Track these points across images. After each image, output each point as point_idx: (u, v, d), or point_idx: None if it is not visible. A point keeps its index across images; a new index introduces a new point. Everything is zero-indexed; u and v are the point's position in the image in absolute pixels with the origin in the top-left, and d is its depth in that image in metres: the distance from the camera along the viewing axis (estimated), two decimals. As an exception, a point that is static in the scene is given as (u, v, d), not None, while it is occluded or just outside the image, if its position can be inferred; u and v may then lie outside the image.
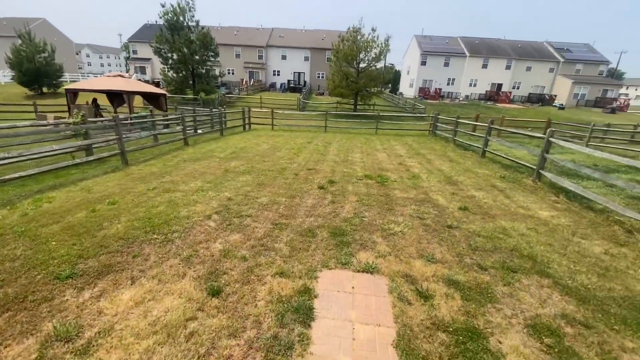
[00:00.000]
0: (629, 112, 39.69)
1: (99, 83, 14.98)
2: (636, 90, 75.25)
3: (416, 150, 11.59)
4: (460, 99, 42.58)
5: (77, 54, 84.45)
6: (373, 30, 24.61)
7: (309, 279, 3.23)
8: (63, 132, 8.34)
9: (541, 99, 41.99)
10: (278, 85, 45.99)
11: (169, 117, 12.39)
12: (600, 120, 28.41)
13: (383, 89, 37.50)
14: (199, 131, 13.80)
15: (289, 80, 45.91)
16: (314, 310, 2.77)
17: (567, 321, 2.82)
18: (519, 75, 42.87)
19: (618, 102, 39.17)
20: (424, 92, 42.37)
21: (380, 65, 28.96)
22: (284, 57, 45.88)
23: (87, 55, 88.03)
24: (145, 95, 16.98)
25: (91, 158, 7.44)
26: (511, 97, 41.95)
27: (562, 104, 38.84)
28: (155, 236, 4.01)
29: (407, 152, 10.99)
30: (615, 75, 56.90)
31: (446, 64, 43.15)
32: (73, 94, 14.38)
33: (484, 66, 42.67)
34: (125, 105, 16.14)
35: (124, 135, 8.64)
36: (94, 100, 16.96)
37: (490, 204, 5.75)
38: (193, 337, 2.42)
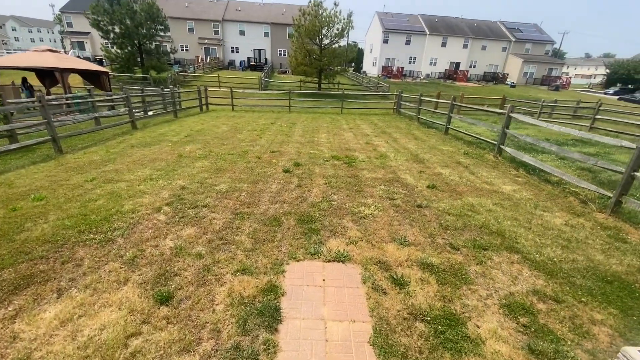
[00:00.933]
0: (570, 89, 43.12)
1: (24, 59, 12.92)
2: (575, 69, 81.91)
3: (382, 129, 11.48)
4: (422, 77, 43.36)
5: (1, 27, 73.29)
6: (335, 4, 23.68)
7: (275, 274, 2.90)
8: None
9: (495, 78, 44.05)
10: (237, 63, 43.44)
11: (112, 97, 11.01)
12: (547, 97, 30.45)
13: (347, 68, 36.96)
14: (150, 113, 12.52)
15: (249, 58, 43.51)
16: (281, 310, 2.46)
17: (539, 297, 2.80)
18: (475, 54, 44.36)
19: (561, 80, 42.25)
20: (387, 71, 42.48)
21: (343, 42, 28.27)
22: (242, 33, 43.14)
23: (14, 29, 76.65)
24: (84, 74, 15.04)
25: (14, 146, 6.32)
26: (468, 75, 43.49)
27: (513, 82, 41.07)
28: (91, 236, 3.42)
29: (374, 131, 10.84)
30: (558, 55, 61.09)
31: (407, 42, 43.36)
32: (-10, 71, 12.29)
33: (443, 45, 43.51)
34: (60, 85, 14.17)
35: (56, 120, 7.49)
36: (24, 79, 14.73)
37: (457, 180, 5.75)
38: (135, 359, 2.01)
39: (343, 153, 7.45)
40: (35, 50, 14.31)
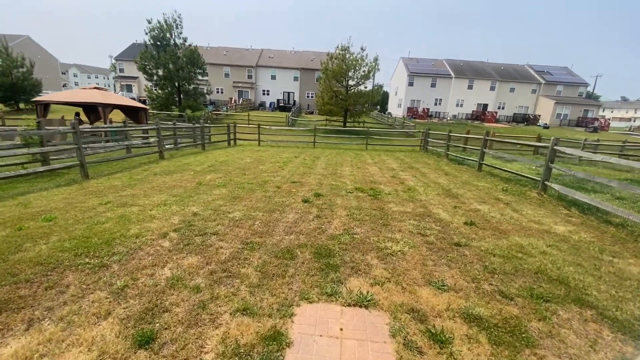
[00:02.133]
0: (610, 131, 40.85)
1: (73, 95, 14.15)
2: (611, 112, 78.75)
3: (409, 164, 10.98)
4: (448, 118, 43.17)
5: (64, 74, 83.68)
6: (362, 49, 24.81)
7: (282, 317, 2.36)
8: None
9: (526, 119, 42.94)
10: (267, 104, 45.86)
11: (142, 127, 11.53)
12: (585, 137, 28.89)
13: (372, 109, 37.68)
14: (180, 145, 12.96)
15: (278, 100, 45.89)
16: (285, 368, 1.90)
17: (637, 373, 2.03)
18: (503, 96, 43.98)
19: (599, 122, 40.30)
20: (412, 112, 42.83)
21: (369, 84, 29.09)
22: (273, 77, 46.07)
23: (75, 75, 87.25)
24: (125, 110, 16.19)
25: (42, 169, 6.48)
26: (497, 116, 42.76)
27: (546, 124, 39.69)
28: (86, 260, 3.10)
29: (400, 166, 10.36)
30: (592, 98, 59.19)
31: (433, 85, 44.02)
32: (43, 107, 13.48)
33: (470, 87, 43.68)
34: (102, 120, 15.26)
35: (87, 147, 7.77)
36: (76, 114, 16.04)
37: (499, 218, 5.04)
38: None
39: (367, 185, 6.98)
40: (83, 88, 15.73)
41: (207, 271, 2.98)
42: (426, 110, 43.06)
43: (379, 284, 2.88)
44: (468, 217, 4.95)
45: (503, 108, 44.29)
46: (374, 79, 26.76)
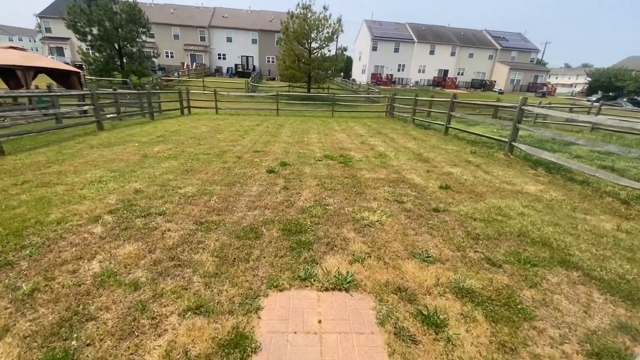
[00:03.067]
0: (556, 96, 43.77)
1: (-20, 55, 11.66)
2: (556, 78, 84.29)
3: (377, 130, 10.66)
4: (411, 84, 43.35)
5: (-24, 34, 70.60)
6: (325, 8, 23.19)
7: (246, 313, 1.91)
8: None
9: (483, 85, 44.41)
10: (224, 70, 42.57)
11: (73, 92, 9.89)
12: (537, 101, 30.63)
13: (336, 74, 36.52)
14: (124, 115, 11.41)
15: (236, 65, 42.73)
16: (251, 384, 1.47)
17: (632, 336, 1.90)
18: (462, 61, 44.73)
19: (547, 87, 42.88)
20: (376, 78, 42.32)
21: (332, 47, 27.78)
22: (229, 40, 42.43)
23: (-9, 36, 74.02)
24: (53, 74, 13.84)
25: None
26: (457, 83, 43.72)
27: (501, 89, 41.40)
28: (-18, 258, 2.36)
29: (368, 132, 10.00)
30: (541, 64, 62.53)
31: (396, 50, 43.42)
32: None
33: (432, 52, 43.73)
34: (25, 87, 12.92)
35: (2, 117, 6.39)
36: (-19, 80, 13.39)
37: (472, 180, 4.89)
38: None
39: (337, 152, 6.54)
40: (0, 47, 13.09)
41: (149, 261, 2.40)
42: (390, 77, 42.75)
43: (358, 261, 2.51)
44: (442, 181, 4.73)
45: (462, 74, 45.25)
46: (337, 41, 25.51)
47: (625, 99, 38.12)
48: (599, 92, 51.30)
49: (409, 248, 2.77)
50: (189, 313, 1.89)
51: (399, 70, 44.16)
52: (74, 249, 2.54)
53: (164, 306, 1.95)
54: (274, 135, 8.78)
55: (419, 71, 44.30)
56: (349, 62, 59.61)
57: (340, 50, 26.61)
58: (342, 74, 55.09)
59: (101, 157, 5.61)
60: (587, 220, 3.61)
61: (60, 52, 37.50)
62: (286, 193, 4.00)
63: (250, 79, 29.32)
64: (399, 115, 14.94)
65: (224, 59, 42.98)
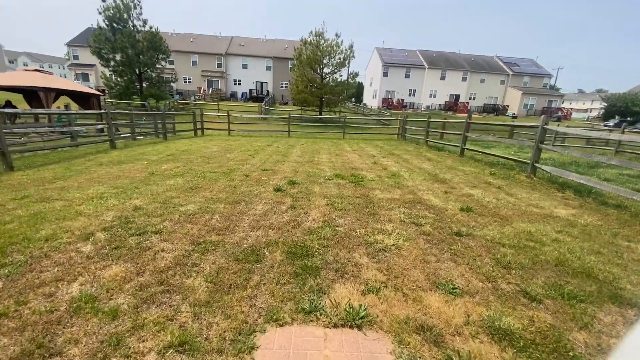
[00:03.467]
0: (572, 120, 43.03)
1: (7, 78, 12.26)
2: (570, 104, 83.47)
3: (389, 151, 10.42)
4: (422, 109, 43.54)
5: (12, 62, 76.00)
6: (337, 35, 23.91)
7: (237, 354, 1.59)
8: None
9: (495, 109, 44.20)
10: (239, 95, 43.94)
11: (88, 112, 10.12)
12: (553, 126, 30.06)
13: (347, 99, 37.10)
14: (138, 135, 11.59)
15: (250, 90, 44.11)
16: None
17: None
18: (474, 86, 44.92)
19: (562, 112, 42.28)
20: (387, 103, 42.76)
21: (344, 72, 28.37)
22: (244, 66, 44.12)
23: (25, 64, 79.37)
24: (73, 96, 14.40)
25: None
26: (469, 107, 43.67)
27: (514, 114, 41.05)
28: (-45, 278, 2.14)
29: (380, 153, 9.77)
30: (554, 89, 62.18)
31: (407, 76, 44.09)
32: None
33: (442, 78, 44.19)
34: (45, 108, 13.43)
35: (18, 135, 6.48)
36: (7, 102, 14.04)
37: (495, 203, 4.52)
38: None
39: (348, 172, 6.28)
40: (26, 70, 13.78)
41: (135, 285, 2.13)
42: (401, 101, 43.16)
43: (373, 292, 2.16)
44: (463, 203, 4.38)
45: (474, 99, 45.28)
46: (349, 67, 26.04)
47: (645, 124, 37.06)
48: (616, 117, 50.29)
49: (431, 277, 2.41)
50: (170, 351, 1.58)
51: (410, 95, 44.60)
52: (56, 269, 2.30)
53: (143, 341, 1.65)
54: (284, 155, 8.64)
55: (430, 96, 44.61)
56: (360, 87, 60.90)
57: (351, 75, 27.09)
58: (353, 99, 56.19)
59: (108, 174, 5.52)
60: (632, 248, 3.17)
61: (85, 77, 39.63)
62: (293, 212, 3.73)
63: (263, 103, 30.00)
64: (411, 138, 14.72)
65: (239, 84, 44.49)
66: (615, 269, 2.71)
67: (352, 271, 2.43)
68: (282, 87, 44.42)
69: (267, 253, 2.66)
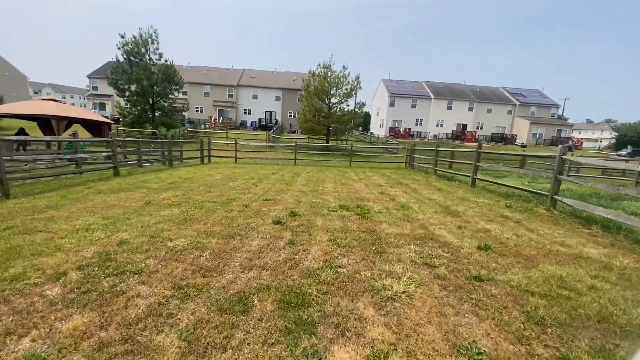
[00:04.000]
0: (583, 150, 42.37)
1: (22, 107, 12.64)
2: (579, 133, 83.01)
3: (397, 180, 10.11)
4: (429, 138, 43.64)
5: (37, 93, 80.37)
6: (344, 67, 24.59)
7: None
8: None
9: (503, 138, 43.98)
10: (249, 124, 44.97)
11: (94, 139, 10.18)
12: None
13: (355, 128, 37.50)
14: (144, 162, 11.61)
15: (260, 119, 45.18)
16: None
17: None
18: (481, 116, 45.13)
19: (573, 141, 41.79)
20: (394, 132, 43.08)
21: (351, 101, 28.86)
22: (255, 97, 45.53)
23: (49, 94, 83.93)
24: (85, 124, 14.73)
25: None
26: (476, 136, 43.59)
27: (523, 143, 40.71)
28: None
29: (387, 182, 9.45)
30: (562, 119, 62.16)
31: (413, 106, 44.73)
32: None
33: (449, 108, 44.66)
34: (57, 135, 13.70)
35: (24, 162, 6.42)
36: (21, 130, 14.42)
37: (515, 240, 4.09)
38: None
39: (353, 203, 5.95)
40: (41, 99, 14.26)
41: (94, 343, 1.78)
42: (408, 130, 43.45)
43: (379, 358, 1.77)
44: (480, 240, 3.97)
45: (481, 128, 45.32)
46: (356, 97, 26.51)
47: (660, 154, 36.23)
48: (629, 147, 49.46)
49: (449, 337, 2.00)
50: None
51: (417, 124, 44.97)
52: (10, 319, 1.98)
53: None
54: (288, 183, 8.40)
55: (437, 125, 44.89)
56: (367, 116, 61.94)
57: (358, 105, 27.50)
58: (360, 128, 56.95)
59: (103, 202, 5.31)
60: (687, 300, 2.70)
61: (102, 107, 41.28)
62: (291, 249, 3.38)
63: (271, 132, 30.46)
64: (419, 166, 14.44)
65: (249, 113, 45.69)
66: (672, 327, 2.25)
67: (355, 327, 2.04)
68: (290, 116, 45.41)
69: (256, 301, 2.30)
